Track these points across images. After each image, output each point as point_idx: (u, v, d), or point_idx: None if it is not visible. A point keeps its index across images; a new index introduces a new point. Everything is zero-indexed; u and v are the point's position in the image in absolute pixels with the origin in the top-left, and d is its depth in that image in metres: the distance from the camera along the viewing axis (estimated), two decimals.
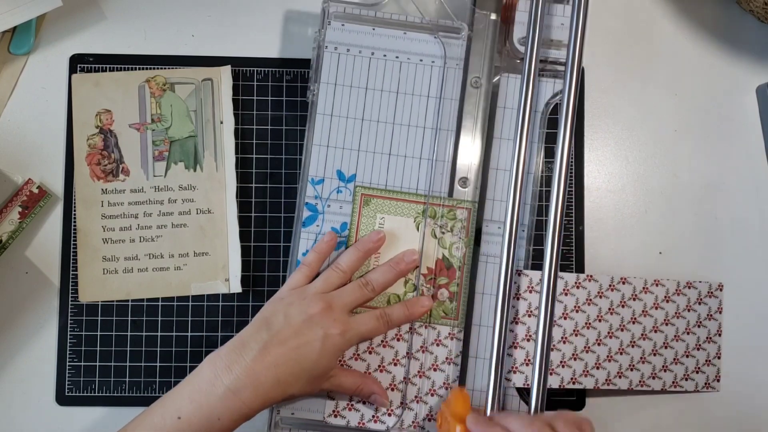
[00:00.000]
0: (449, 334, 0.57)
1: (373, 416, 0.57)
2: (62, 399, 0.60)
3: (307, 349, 0.51)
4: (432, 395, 0.57)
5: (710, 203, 0.63)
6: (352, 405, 0.57)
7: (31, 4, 0.60)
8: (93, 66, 0.62)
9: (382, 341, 0.57)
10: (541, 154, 0.59)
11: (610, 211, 0.62)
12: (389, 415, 0.57)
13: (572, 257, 0.62)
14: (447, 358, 0.57)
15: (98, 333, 0.60)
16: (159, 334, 0.60)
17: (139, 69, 0.62)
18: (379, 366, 0.57)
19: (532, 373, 0.55)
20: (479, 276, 0.58)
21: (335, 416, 0.57)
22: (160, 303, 0.60)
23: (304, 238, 0.58)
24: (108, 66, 0.62)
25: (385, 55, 0.59)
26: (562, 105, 0.56)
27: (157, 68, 0.62)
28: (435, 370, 0.57)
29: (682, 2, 0.65)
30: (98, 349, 0.60)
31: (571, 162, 0.62)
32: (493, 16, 0.60)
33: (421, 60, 0.59)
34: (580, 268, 0.62)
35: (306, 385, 0.52)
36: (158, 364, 0.60)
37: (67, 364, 0.60)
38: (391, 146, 0.59)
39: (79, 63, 0.62)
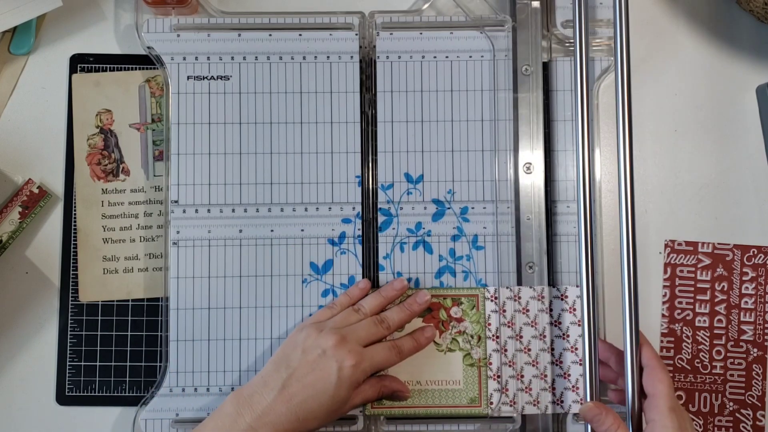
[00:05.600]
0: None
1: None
2: (62, 399, 0.60)
3: (324, 384, 0.51)
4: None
5: (710, 203, 0.63)
6: None
7: (31, 4, 0.60)
8: (93, 66, 0.62)
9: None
10: (600, 132, 0.61)
11: (609, 211, 0.62)
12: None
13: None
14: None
15: (98, 333, 0.60)
16: (159, 334, 0.60)
17: (139, 69, 0.62)
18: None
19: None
20: (556, 256, 0.60)
21: None
22: (160, 303, 0.60)
23: (383, 242, 0.59)
24: (108, 66, 0.62)
25: (435, 57, 0.61)
26: (617, 87, 0.57)
27: (157, 68, 0.62)
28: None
29: (682, 2, 0.65)
30: (98, 349, 0.60)
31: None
32: (535, 4, 0.61)
33: (470, 56, 0.61)
34: None
35: (326, 417, 0.52)
36: (159, 364, 0.60)
37: (67, 364, 0.60)
38: (453, 143, 0.60)
39: (79, 63, 0.62)
